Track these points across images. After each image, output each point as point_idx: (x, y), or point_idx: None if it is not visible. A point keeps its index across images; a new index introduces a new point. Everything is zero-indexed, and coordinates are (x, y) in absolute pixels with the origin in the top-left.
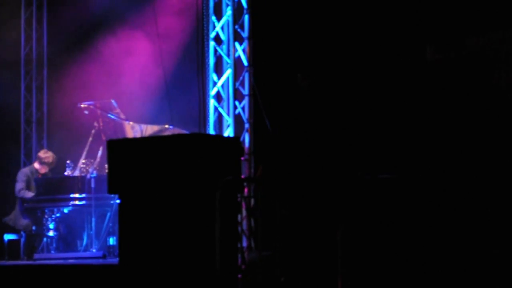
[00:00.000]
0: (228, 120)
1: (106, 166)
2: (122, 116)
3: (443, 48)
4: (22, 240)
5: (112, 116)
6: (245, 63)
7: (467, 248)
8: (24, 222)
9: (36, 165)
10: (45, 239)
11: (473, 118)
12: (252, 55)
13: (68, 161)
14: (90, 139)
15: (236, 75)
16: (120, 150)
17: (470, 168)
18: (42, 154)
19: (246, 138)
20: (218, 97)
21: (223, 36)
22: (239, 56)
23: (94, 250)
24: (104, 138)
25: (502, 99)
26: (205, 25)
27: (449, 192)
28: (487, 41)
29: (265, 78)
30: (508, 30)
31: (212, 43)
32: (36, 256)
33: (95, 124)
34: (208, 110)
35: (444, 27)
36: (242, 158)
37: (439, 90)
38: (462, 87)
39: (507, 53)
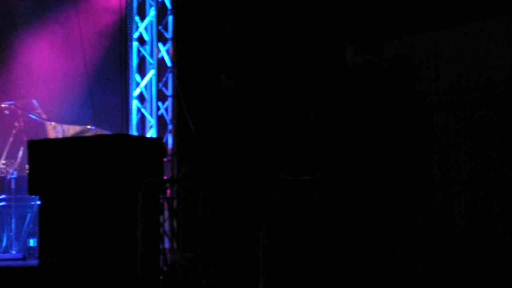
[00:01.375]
0: (151, 121)
1: (27, 166)
2: (44, 116)
3: (363, 51)
4: None
5: (34, 116)
6: (169, 63)
7: (387, 247)
8: None
9: None
10: None
11: (394, 121)
12: (176, 56)
13: None
14: (11, 139)
15: (160, 75)
16: (41, 150)
17: (390, 171)
18: None
19: (169, 139)
20: (141, 97)
21: (146, 37)
22: (162, 57)
23: (13, 252)
24: (25, 138)
25: (424, 103)
26: (128, 25)
27: (370, 193)
28: (408, 44)
29: (188, 79)
30: (430, 34)
31: (135, 44)
32: None
33: (16, 124)
34: (131, 110)
35: (365, 29)
36: (165, 159)
37: (359, 94)
38: (383, 91)
39: (428, 56)
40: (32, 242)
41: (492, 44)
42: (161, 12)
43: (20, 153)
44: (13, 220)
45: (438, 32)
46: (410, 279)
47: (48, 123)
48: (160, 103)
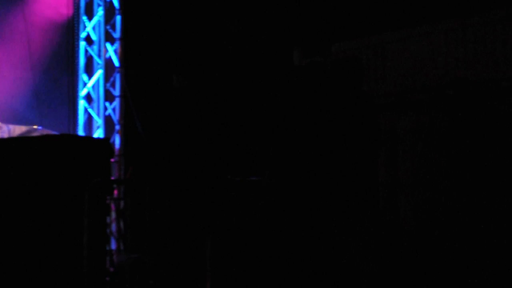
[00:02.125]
0: (98, 121)
1: None
2: None
3: (310, 52)
4: None
5: None
6: (117, 64)
7: (333, 248)
8: None
9: None
10: None
11: (340, 123)
12: (124, 56)
13: None
14: None
15: (107, 76)
16: None
17: (336, 172)
18: None
19: (117, 139)
20: (88, 98)
21: (94, 37)
22: (110, 57)
23: None
24: None
25: (371, 104)
26: (75, 25)
27: (316, 194)
28: (356, 46)
29: (137, 79)
30: (377, 36)
31: (82, 43)
32: None
33: None
34: (78, 111)
35: (312, 31)
36: (112, 160)
37: (306, 95)
38: (329, 92)
39: (375, 58)
40: None
41: (439, 46)
42: (109, 12)
43: None
44: None
45: (385, 34)
46: (355, 279)
47: None
48: (107, 104)
